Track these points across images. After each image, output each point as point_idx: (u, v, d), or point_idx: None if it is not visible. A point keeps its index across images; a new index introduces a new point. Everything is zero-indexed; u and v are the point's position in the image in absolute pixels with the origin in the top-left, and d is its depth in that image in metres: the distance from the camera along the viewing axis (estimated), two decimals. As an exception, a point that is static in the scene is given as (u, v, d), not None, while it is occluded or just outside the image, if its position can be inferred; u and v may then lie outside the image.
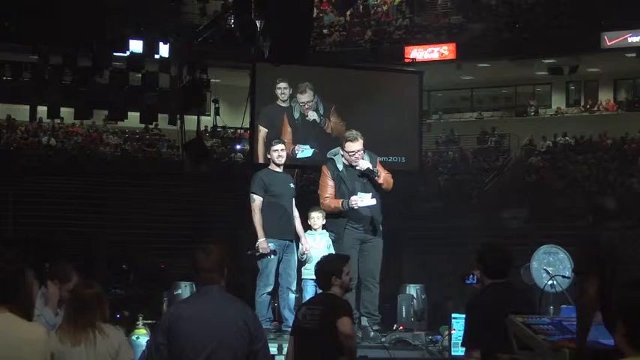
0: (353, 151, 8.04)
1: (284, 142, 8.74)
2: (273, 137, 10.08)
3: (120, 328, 4.79)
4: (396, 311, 8.99)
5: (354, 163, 8.07)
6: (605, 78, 28.87)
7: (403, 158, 12.24)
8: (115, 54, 15.97)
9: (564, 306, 7.91)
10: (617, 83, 29.37)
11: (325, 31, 28.61)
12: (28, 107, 21.22)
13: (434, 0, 29.93)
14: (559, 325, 4.66)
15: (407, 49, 26.98)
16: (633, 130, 25.38)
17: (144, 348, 5.86)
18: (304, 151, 11.66)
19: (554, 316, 6.27)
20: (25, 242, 12.91)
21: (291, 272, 8.27)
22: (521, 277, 8.74)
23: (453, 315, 7.12)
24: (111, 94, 16.43)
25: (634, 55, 25.19)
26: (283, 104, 11.58)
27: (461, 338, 5.31)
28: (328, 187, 8.22)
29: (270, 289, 8.15)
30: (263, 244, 8.06)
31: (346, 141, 8.11)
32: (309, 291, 8.21)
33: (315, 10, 22.77)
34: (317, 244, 8.42)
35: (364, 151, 8.15)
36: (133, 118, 18.05)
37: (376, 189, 8.16)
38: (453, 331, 7.11)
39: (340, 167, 8.18)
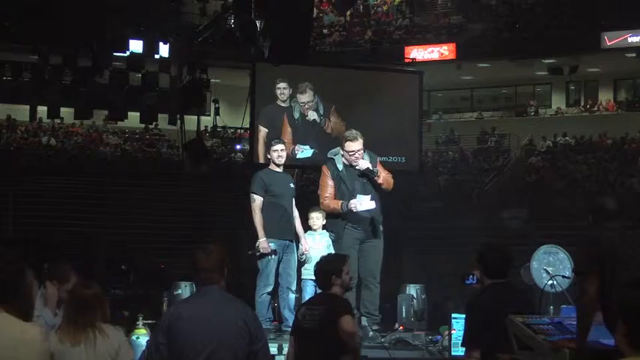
0: (353, 151, 8.04)
1: (284, 142, 8.74)
2: (273, 137, 10.07)
3: (120, 328, 4.79)
4: (396, 311, 8.99)
5: (353, 163, 8.08)
6: (605, 78, 28.87)
7: (403, 158, 12.24)
8: (115, 54, 15.98)
9: (564, 306, 7.91)
10: (617, 83, 29.37)
11: (325, 31, 28.61)
12: (28, 107, 21.23)
13: (434, 0, 29.93)
14: (559, 325, 4.65)
15: (407, 49, 26.98)
16: (633, 130, 25.38)
17: (144, 348, 5.86)
18: (304, 152, 11.66)
19: (554, 316, 6.26)
20: (25, 242, 12.92)
21: (291, 272, 8.27)
22: (521, 277, 8.74)
23: (453, 315, 7.11)
24: (111, 94, 16.44)
25: (634, 55, 25.19)
26: (283, 104, 11.58)
27: (461, 338, 5.31)
28: (328, 187, 8.21)
29: (270, 289, 8.15)
30: (264, 243, 8.06)
31: (346, 141, 8.12)
32: (309, 291, 8.21)
33: (315, 10, 22.77)
34: (317, 244, 8.42)
35: (364, 151, 8.15)
36: (133, 118, 18.06)
37: (376, 189, 8.16)
38: (453, 331, 7.11)
39: (340, 167, 8.18)
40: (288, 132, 11.44)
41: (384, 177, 8.16)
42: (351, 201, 7.94)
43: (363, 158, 8.10)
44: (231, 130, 27.42)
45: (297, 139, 11.56)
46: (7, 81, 24.68)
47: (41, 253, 9.91)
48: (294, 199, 8.46)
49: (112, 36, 14.64)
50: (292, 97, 11.55)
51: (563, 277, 8.34)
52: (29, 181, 21.32)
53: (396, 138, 12.04)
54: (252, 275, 8.38)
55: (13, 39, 17.88)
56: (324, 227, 8.48)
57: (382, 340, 7.65)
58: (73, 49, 15.32)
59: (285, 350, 6.50)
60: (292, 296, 8.24)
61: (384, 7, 29.86)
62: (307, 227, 8.57)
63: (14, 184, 20.40)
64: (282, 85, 11.49)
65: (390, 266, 8.93)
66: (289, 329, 6.33)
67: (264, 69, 11.47)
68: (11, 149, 24.96)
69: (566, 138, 26.65)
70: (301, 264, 8.43)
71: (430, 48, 27.09)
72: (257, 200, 8.19)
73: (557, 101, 30.17)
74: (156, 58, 15.97)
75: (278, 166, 8.36)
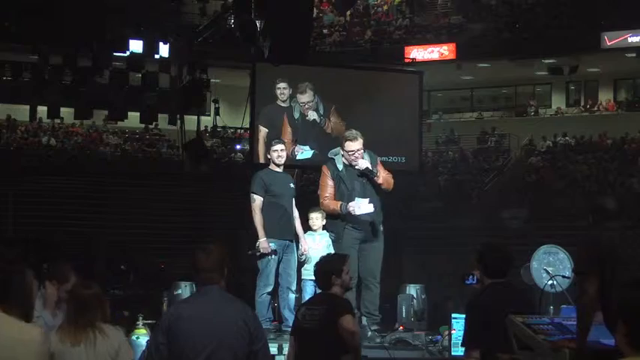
0: (352, 151, 8.04)
1: (284, 142, 8.75)
2: (274, 137, 10.07)
3: (120, 328, 4.79)
4: (396, 311, 8.99)
5: (353, 163, 8.08)
6: (605, 78, 28.87)
7: (403, 158, 12.24)
8: (115, 54, 15.98)
9: (564, 306, 7.91)
10: (617, 83, 29.37)
11: (325, 31, 28.61)
12: (28, 107, 21.23)
13: (434, 0, 29.92)
14: (559, 325, 4.65)
15: (407, 49, 26.98)
16: (633, 130, 25.38)
17: (144, 348, 5.86)
18: (304, 153, 11.66)
19: (554, 316, 6.26)
20: (25, 242, 12.90)
21: (291, 272, 8.27)
22: (521, 277, 8.74)
23: (453, 315, 7.11)
24: (111, 94, 16.44)
25: (634, 55, 25.19)
26: (283, 104, 11.57)
27: (461, 338, 5.31)
28: (328, 187, 8.22)
29: (270, 289, 8.15)
30: (264, 243, 8.06)
31: (346, 140, 8.12)
32: (309, 291, 8.21)
33: (315, 10, 22.76)
34: (316, 244, 8.42)
35: (364, 151, 8.15)
36: (133, 118, 18.06)
37: (376, 189, 8.16)
38: (453, 331, 7.11)
39: (340, 167, 8.18)
40: (288, 132, 11.43)
41: (383, 177, 8.16)
42: (350, 204, 7.94)
43: (363, 158, 8.10)
44: (231, 130, 27.42)
45: (297, 139, 11.56)
46: (7, 81, 24.68)
47: (41, 253, 9.89)
48: (294, 199, 8.46)
49: (112, 36, 14.64)
50: (292, 97, 11.55)
51: (563, 277, 8.34)
52: (29, 181, 21.32)
53: (396, 138, 12.04)
54: (252, 275, 8.38)
55: (13, 39, 17.89)
56: (324, 227, 8.48)
57: (379, 340, 7.65)
58: (73, 49, 15.33)
59: (285, 350, 6.51)
60: (292, 296, 8.24)
61: (384, 7, 29.85)
62: (307, 227, 8.57)
63: (14, 184, 20.40)
64: (282, 85, 11.49)
65: (390, 266, 8.93)
66: (289, 329, 6.33)
67: (264, 69, 11.47)
68: (11, 149, 24.96)
69: (566, 138, 26.65)
70: (301, 264, 8.44)
71: (430, 48, 27.09)
72: (257, 200, 8.19)
73: (557, 101, 30.17)
74: (156, 58, 15.98)
75: (278, 166, 8.36)
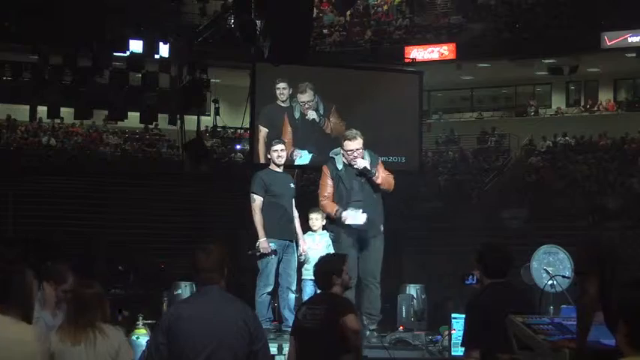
0: (351, 150, 8.05)
1: (284, 143, 8.75)
2: (274, 137, 10.08)
3: (120, 328, 4.79)
4: (396, 311, 9.00)
5: (352, 162, 8.08)
6: (605, 78, 28.86)
7: (403, 158, 12.24)
8: (115, 54, 15.98)
9: (564, 306, 7.91)
10: (617, 83, 29.37)
11: (325, 31, 28.60)
12: (28, 107, 21.21)
13: (434, 0, 29.92)
14: (559, 325, 4.65)
15: (407, 49, 26.97)
16: (633, 130, 25.37)
17: (144, 348, 5.86)
18: (302, 157, 11.66)
19: (554, 316, 6.26)
20: (25, 242, 12.89)
21: (291, 272, 8.27)
22: (521, 277, 8.74)
23: (453, 315, 7.12)
24: (111, 94, 16.44)
25: (634, 55, 25.18)
26: (283, 104, 11.58)
27: (461, 338, 5.31)
28: (327, 187, 8.23)
29: (270, 289, 8.15)
30: (264, 243, 8.06)
31: (345, 139, 8.14)
32: (309, 291, 8.21)
33: (315, 10, 22.76)
34: (316, 244, 8.43)
35: (365, 151, 8.15)
36: (133, 118, 18.06)
37: (375, 189, 8.16)
38: (453, 331, 7.12)
39: (340, 166, 8.19)
40: (288, 132, 11.44)
41: (383, 177, 8.15)
42: (344, 213, 7.96)
43: (363, 158, 8.10)
44: (231, 130, 27.42)
45: (297, 139, 11.56)
46: (7, 81, 24.68)
47: (41, 253, 9.89)
48: (294, 199, 8.46)
49: (112, 36, 14.64)
50: (293, 97, 11.56)
51: (563, 277, 8.34)
52: (29, 181, 21.32)
53: (396, 138, 12.04)
54: (252, 275, 8.38)
55: (13, 39, 17.90)
56: (323, 228, 8.49)
57: (374, 340, 7.63)
58: (73, 49, 15.32)
59: (285, 350, 6.51)
60: (292, 296, 8.24)
61: (384, 7, 29.85)
62: (307, 228, 8.58)
63: (14, 184, 20.40)
64: (281, 85, 11.49)
65: (390, 266, 8.93)
66: (289, 329, 6.33)
67: (264, 69, 11.48)
68: (11, 149, 24.95)
69: (566, 138, 26.65)
70: (301, 264, 8.44)
71: (430, 48, 27.08)
72: (257, 200, 8.19)
73: (557, 101, 30.16)
74: (156, 58, 15.97)
75: (278, 166, 8.37)
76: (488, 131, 28.78)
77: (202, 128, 22.89)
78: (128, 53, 15.38)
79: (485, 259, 5.17)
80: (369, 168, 8.05)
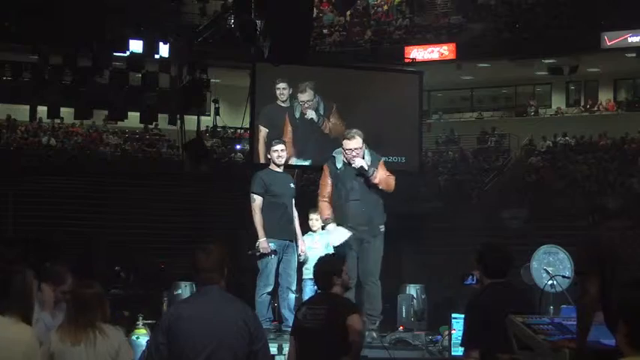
0: (350, 149, 8.07)
1: (284, 143, 8.75)
2: (274, 137, 10.08)
3: (120, 328, 4.79)
4: (396, 311, 9.00)
5: (350, 161, 8.09)
6: (605, 78, 28.87)
7: (403, 158, 12.23)
8: (115, 54, 15.96)
9: (564, 306, 7.91)
10: (617, 83, 29.37)
11: (325, 31, 28.60)
12: (28, 107, 21.21)
13: (434, 0, 29.92)
14: (559, 325, 4.65)
15: (407, 49, 26.97)
16: (633, 130, 25.38)
17: (144, 348, 5.86)
18: (300, 160, 11.72)
19: (554, 316, 6.26)
20: (25, 242, 12.89)
21: (291, 272, 8.26)
22: (521, 277, 8.74)
23: (453, 315, 7.12)
24: (111, 94, 16.43)
25: (634, 55, 25.18)
26: (283, 104, 11.58)
27: (460, 338, 5.31)
28: (327, 187, 8.26)
29: (270, 289, 8.15)
30: (264, 243, 8.06)
31: (344, 139, 8.17)
32: (309, 291, 8.21)
33: (315, 10, 22.76)
34: (316, 244, 8.44)
35: (366, 150, 8.15)
36: (133, 118, 18.05)
37: (374, 189, 8.15)
38: (453, 331, 7.12)
39: (339, 165, 8.21)
40: (289, 131, 11.45)
41: (381, 178, 8.12)
42: (329, 226, 8.13)
43: (363, 157, 8.10)
44: (231, 130, 27.42)
45: (297, 139, 11.56)
46: (7, 81, 24.67)
47: (41, 253, 9.89)
48: (294, 199, 8.46)
49: (112, 36, 14.63)
50: (293, 96, 11.56)
51: (563, 277, 8.34)
52: (29, 181, 21.32)
53: (396, 138, 12.03)
54: (252, 275, 8.38)
55: (13, 39, 17.88)
56: (323, 228, 8.51)
57: (370, 340, 7.62)
58: (73, 49, 15.31)
59: (286, 350, 6.50)
60: (292, 296, 8.24)
61: (384, 7, 29.85)
62: (307, 228, 8.58)
63: (14, 184, 20.40)
64: (281, 85, 11.49)
65: (390, 266, 8.92)
66: (289, 329, 6.33)
67: (264, 69, 11.47)
68: (11, 149, 24.96)
69: (566, 138, 26.65)
70: (301, 264, 8.44)
71: (430, 48, 27.08)
72: (257, 200, 8.19)
73: (557, 101, 30.16)
74: (156, 58, 15.96)
75: (278, 166, 8.37)
76: (488, 131, 28.78)
77: (202, 128, 22.89)
78: (128, 53, 15.37)
79: (485, 259, 5.17)
80: (366, 168, 8.04)
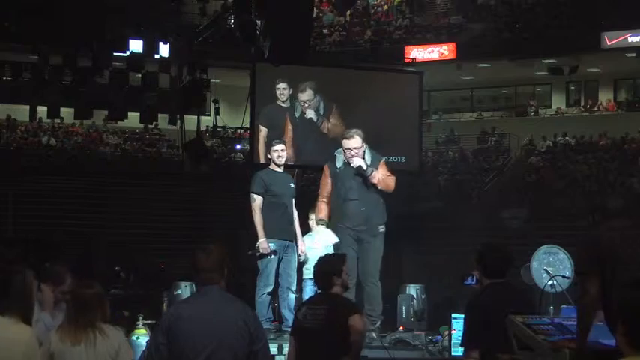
0: (349, 149, 8.08)
1: (284, 143, 8.75)
2: (274, 137, 10.09)
3: (120, 328, 4.80)
4: (396, 311, 8.99)
5: (349, 161, 8.10)
6: (605, 78, 28.86)
7: (403, 158, 12.23)
8: (115, 54, 15.97)
9: (564, 306, 7.91)
10: (617, 83, 29.36)
11: (325, 31, 28.60)
12: (28, 107, 21.21)
13: (434, 0, 29.92)
14: (559, 325, 4.65)
15: (407, 49, 26.97)
16: (633, 130, 25.38)
17: (144, 348, 5.86)
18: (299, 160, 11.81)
19: (554, 316, 6.26)
20: (25, 242, 12.89)
21: (291, 272, 8.27)
22: (521, 277, 8.74)
23: (453, 315, 7.11)
24: (111, 94, 16.43)
25: (634, 55, 25.18)
26: (283, 104, 11.58)
27: (460, 338, 5.31)
28: (327, 186, 8.29)
29: (270, 289, 8.15)
30: (263, 244, 8.06)
31: (343, 138, 8.18)
32: (309, 291, 8.21)
33: (315, 10, 22.76)
34: (316, 244, 8.44)
35: (367, 150, 8.14)
36: (133, 118, 18.05)
37: (370, 188, 8.14)
38: (453, 331, 7.11)
39: (339, 165, 8.22)
40: (289, 130, 11.46)
41: (380, 178, 8.10)
42: (317, 227, 8.32)
43: (363, 157, 8.10)
44: (231, 130, 27.42)
45: (297, 138, 11.56)
46: (7, 81, 24.67)
47: (41, 253, 9.89)
48: (294, 200, 8.46)
49: (112, 36, 14.63)
50: (293, 96, 11.56)
51: (563, 277, 8.34)
52: (29, 181, 21.32)
53: (396, 138, 12.03)
54: (252, 275, 8.38)
55: (13, 39, 17.88)
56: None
57: (374, 340, 7.63)
58: (73, 49, 15.31)
59: (285, 350, 6.50)
60: (292, 296, 8.24)
61: (384, 7, 29.85)
62: (307, 228, 8.59)
63: (14, 184, 20.40)
64: (281, 85, 11.49)
65: (390, 266, 8.93)
66: (289, 329, 6.33)
67: (264, 69, 11.47)
68: (11, 149, 24.96)
69: (566, 138, 26.65)
70: (301, 264, 8.44)
71: (430, 48, 27.08)
72: (257, 200, 8.19)
73: (557, 101, 30.16)
74: (156, 58, 15.96)
75: (278, 166, 8.37)
76: (488, 131, 28.78)
77: (202, 128, 22.89)
78: (128, 53, 15.37)
79: (485, 259, 5.17)
80: (364, 167, 8.03)
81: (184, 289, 9.35)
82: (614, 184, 22.71)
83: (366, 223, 8.11)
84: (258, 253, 8.13)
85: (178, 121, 16.36)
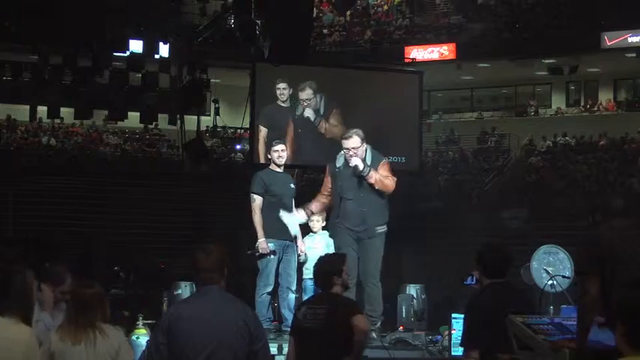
0: (348, 149, 8.07)
1: (284, 143, 8.76)
2: (274, 137, 10.09)
3: (120, 328, 4.80)
4: (396, 311, 8.99)
5: (348, 160, 8.10)
6: (605, 78, 28.87)
7: (403, 158, 12.24)
8: (115, 54, 15.96)
9: (564, 306, 7.91)
10: (617, 83, 29.37)
11: (325, 31, 28.61)
12: (28, 107, 21.21)
13: (434, 0, 29.92)
14: (559, 325, 4.64)
15: (407, 49, 26.98)
16: (633, 130, 25.38)
17: (144, 348, 5.86)
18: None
19: (554, 316, 6.26)
20: (25, 242, 12.89)
21: (291, 272, 8.27)
22: (521, 277, 8.74)
23: (453, 315, 7.11)
24: (111, 94, 16.43)
25: (634, 55, 25.18)
26: (283, 104, 11.59)
27: (460, 338, 5.31)
28: (327, 185, 8.29)
29: (270, 289, 8.16)
30: (263, 244, 8.06)
31: (342, 138, 8.18)
32: (309, 291, 8.21)
33: (315, 10, 22.76)
34: (316, 244, 8.44)
35: (368, 150, 8.13)
36: (133, 118, 18.05)
37: (369, 188, 8.13)
38: (453, 331, 7.11)
39: (338, 164, 8.22)
40: (291, 129, 11.47)
41: (377, 178, 8.03)
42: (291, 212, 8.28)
43: (364, 157, 8.09)
44: (231, 130, 27.42)
45: (298, 138, 11.57)
46: (7, 81, 24.68)
47: (41, 253, 9.89)
48: (294, 200, 8.46)
49: (112, 36, 14.62)
50: (293, 96, 11.57)
51: (563, 277, 8.34)
52: (29, 181, 21.32)
53: (396, 138, 12.03)
54: (252, 275, 8.39)
55: (13, 39, 17.87)
56: (323, 228, 8.52)
57: (374, 340, 7.63)
58: (73, 49, 15.31)
59: (285, 350, 6.50)
60: (292, 296, 8.24)
61: (384, 7, 29.85)
62: (307, 228, 8.59)
63: (14, 184, 20.40)
64: (281, 85, 11.49)
65: (390, 266, 8.92)
66: (289, 329, 6.33)
67: (264, 69, 11.48)
68: (11, 149, 24.96)
69: (566, 138, 26.65)
70: (301, 264, 8.44)
71: (430, 48, 27.08)
72: (257, 200, 8.19)
73: (557, 101, 30.17)
74: (156, 58, 15.95)
75: (278, 166, 8.37)
76: (488, 131, 28.79)
77: (202, 128, 22.89)
78: (128, 53, 15.37)
79: (485, 259, 5.17)
80: (360, 167, 7.99)
81: (184, 289, 9.35)
82: (614, 184, 22.70)
83: (363, 223, 8.07)
84: (258, 253, 8.13)
85: (178, 121, 16.36)
